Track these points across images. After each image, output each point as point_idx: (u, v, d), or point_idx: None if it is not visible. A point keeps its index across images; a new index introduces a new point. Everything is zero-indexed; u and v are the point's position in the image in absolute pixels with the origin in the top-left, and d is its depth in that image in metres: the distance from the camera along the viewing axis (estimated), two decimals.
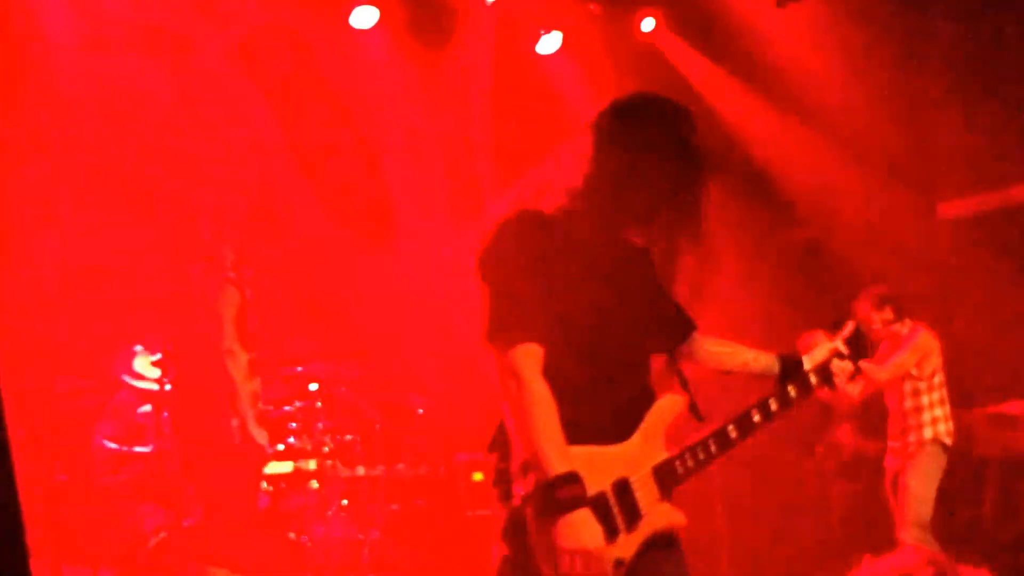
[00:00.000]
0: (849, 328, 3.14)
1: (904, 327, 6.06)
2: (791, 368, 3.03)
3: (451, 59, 7.67)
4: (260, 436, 5.15)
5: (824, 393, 3.14)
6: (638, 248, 2.86)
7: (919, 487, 5.97)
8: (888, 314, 6.13)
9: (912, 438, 6.02)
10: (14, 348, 6.23)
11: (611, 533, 2.56)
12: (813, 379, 3.04)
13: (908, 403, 6.04)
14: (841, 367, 3.07)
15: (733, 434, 2.83)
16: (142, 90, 7.34)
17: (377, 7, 7.43)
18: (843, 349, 3.10)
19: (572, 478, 2.50)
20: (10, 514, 1.79)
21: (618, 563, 2.56)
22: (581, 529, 2.48)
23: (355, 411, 6.81)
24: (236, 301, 5.19)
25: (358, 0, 7.45)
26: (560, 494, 2.48)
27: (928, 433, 6.00)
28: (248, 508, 5.22)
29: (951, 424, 6.07)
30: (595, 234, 2.75)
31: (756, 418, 2.89)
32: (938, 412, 6.03)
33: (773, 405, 2.94)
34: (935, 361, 6.05)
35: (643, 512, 2.63)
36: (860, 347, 3.15)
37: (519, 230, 2.71)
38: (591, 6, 7.77)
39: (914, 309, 6.19)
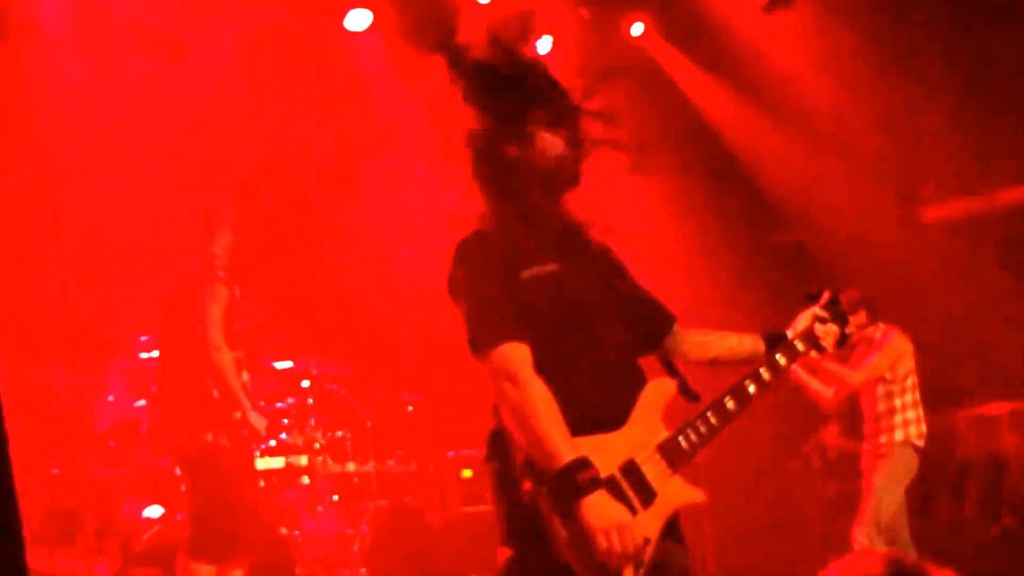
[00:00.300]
0: (825, 296, 3.21)
1: (878, 331, 6.06)
2: (777, 342, 3.08)
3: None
4: (259, 423, 5.19)
5: (814, 359, 3.21)
6: (606, 248, 2.93)
7: (884, 488, 5.97)
8: (861, 318, 6.10)
9: (884, 440, 6.02)
10: (9, 340, 6.24)
11: (630, 513, 2.57)
12: (800, 345, 3.09)
13: (881, 406, 6.05)
14: (825, 330, 3.13)
15: (730, 405, 2.84)
16: (137, 90, 7.33)
17: (371, 10, 7.45)
18: (823, 314, 3.16)
19: (585, 462, 2.52)
20: (6, 507, 1.80)
21: (645, 541, 2.57)
22: (607, 506, 2.50)
23: (346, 407, 6.81)
24: (225, 298, 5.16)
25: (352, 3, 7.50)
26: (579, 477, 2.49)
27: (899, 435, 6.00)
28: (241, 503, 5.20)
29: (924, 427, 6.07)
30: (556, 235, 2.81)
31: (751, 388, 2.90)
32: (911, 415, 6.03)
33: (765, 374, 2.96)
34: (908, 364, 6.06)
35: (656, 489, 2.64)
36: (839, 311, 3.20)
37: (478, 244, 2.76)
38: (581, 10, 7.78)
39: (894, 311, 6.22)
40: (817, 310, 3.17)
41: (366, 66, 7.75)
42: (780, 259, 8.29)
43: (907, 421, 6.02)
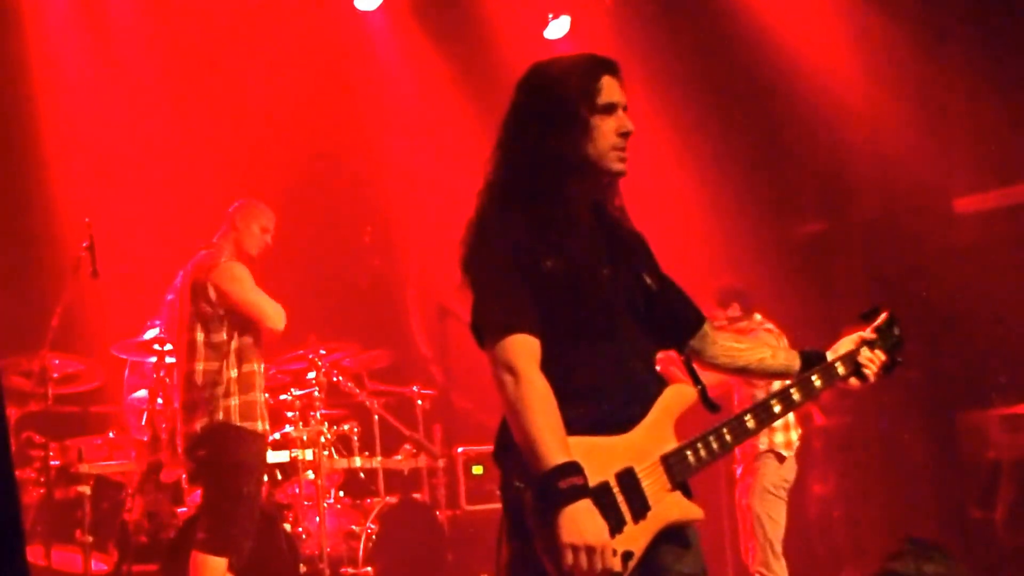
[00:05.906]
0: (881, 318, 3.02)
1: (753, 323, 5.59)
2: (814, 362, 2.93)
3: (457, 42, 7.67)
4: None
5: (855, 384, 2.97)
6: (640, 238, 2.82)
7: (763, 510, 5.50)
8: (735, 311, 5.67)
9: (749, 449, 5.55)
10: (8, 331, 6.16)
11: (617, 524, 2.46)
12: (841, 369, 2.92)
13: None
14: (869, 356, 2.94)
15: (751, 423, 2.73)
16: (141, 81, 7.30)
17: None
18: (872, 337, 2.98)
19: (573, 468, 2.41)
20: (7, 501, 1.79)
21: (627, 556, 2.45)
22: (584, 522, 2.39)
23: (353, 401, 6.68)
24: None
25: None
26: (560, 484, 2.39)
27: (763, 444, 5.51)
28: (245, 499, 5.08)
29: (793, 434, 5.59)
30: (585, 218, 2.70)
31: (777, 408, 2.78)
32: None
33: (795, 395, 2.82)
34: None
35: (652, 503, 2.53)
36: (892, 336, 3.00)
37: (500, 223, 2.64)
38: None
39: (926, 305, 5.99)
40: (866, 333, 2.99)
41: (377, 45, 7.71)
42: (807, 251, 8.17)
43: (771, 428, 5.40)
